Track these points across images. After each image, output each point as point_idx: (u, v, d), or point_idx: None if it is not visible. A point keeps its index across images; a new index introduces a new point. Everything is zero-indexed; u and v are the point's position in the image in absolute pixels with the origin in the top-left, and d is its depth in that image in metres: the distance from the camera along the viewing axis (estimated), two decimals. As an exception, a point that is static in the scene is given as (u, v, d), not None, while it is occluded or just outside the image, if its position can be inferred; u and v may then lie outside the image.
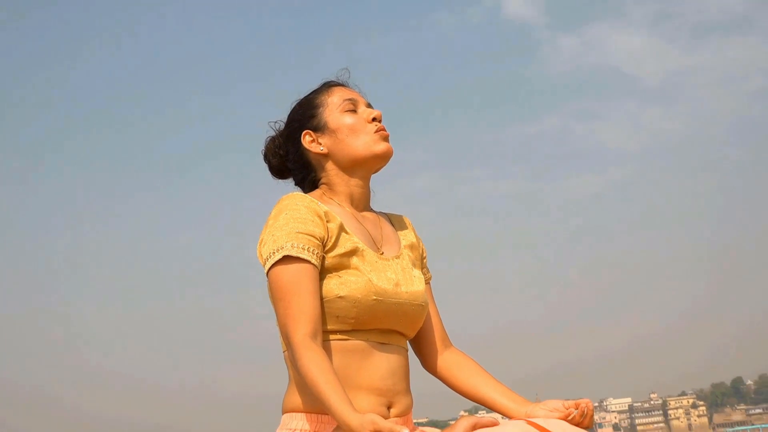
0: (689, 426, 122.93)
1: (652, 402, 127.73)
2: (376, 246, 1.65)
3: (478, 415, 1.67)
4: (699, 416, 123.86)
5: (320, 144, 1.68)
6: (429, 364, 1.76)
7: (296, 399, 1.55)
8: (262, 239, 1.56)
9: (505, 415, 1.67)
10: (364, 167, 1.68)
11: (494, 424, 1.59)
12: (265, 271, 1.53)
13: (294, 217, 1.54)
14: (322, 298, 1.52)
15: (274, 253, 1.51)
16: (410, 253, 1.72)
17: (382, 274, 1.58)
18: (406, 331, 1.64)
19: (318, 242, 1.53)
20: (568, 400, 1.63)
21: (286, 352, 1.58)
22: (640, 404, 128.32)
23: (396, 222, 1.79)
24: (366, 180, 1.71)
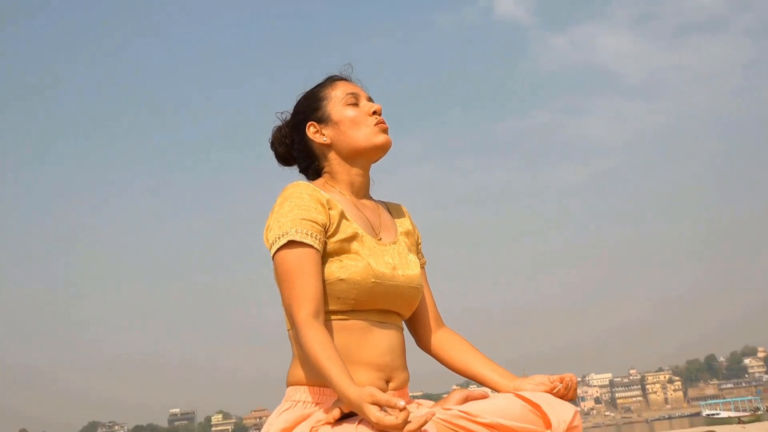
0: (666, 400, 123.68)
1: (631, 377, 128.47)
2: (375, 232, 1.65)
3: (469, 389, 1.67)
4: (675, 391, 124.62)
5: (324, 135, 1.68)
6: (423, 342, 1.77)
7: (299, 373, 1.56)
8: (268, 225, 1.56)
9: (495, 389, 1.68)
10: (365, 157, 1.69)
11: (484, 397, 1.60)
12: (271, 255, 1.54)
13: (298, 204, 1.54)
14: (324, 281, 1.53)
15: (279, 238, 1.51)
16: (406, 239, 1.72)
17: (380, 258, 1.59)
18: (402, 312, 1.65)
19: (320, 228, 1.53)
20: (553, 374, 1.64)
21: (290, 330, 1.59)
22: (620, 379, 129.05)
23: (393, 210, 1.80)
24: (366, 169, 1.71)
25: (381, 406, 1.32)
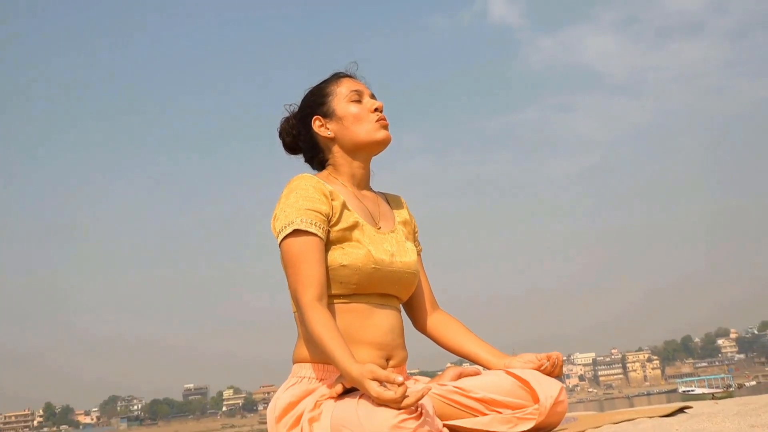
0: (645, 377, 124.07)
1: (612, 357, 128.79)
2: (374, 221, 1.65)
3: (462, 366, 1.68)
4: (653, 369, 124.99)
5: (328, 129, 1.68)
6: (420, 324, 1.77)
7: (304, 351, 1.57)
8: (275, 215, 1.57)
9: (486, 367, 1.68)
10: (366, 151, 1.69)
11: (477, 374, 1.62)
12: (278, 243, 1.55)
13: (303, 195, 1.55)
14: (327, 267, 1.54)
15: (285, 227, 1.52)
16: (404, 228, 1.73)
17: (379, 246, 1.60)
18: (400, 295, 1.65)
19: (324, 218, 1.54)
20: (541, 353, 1.64)
21: (296, 312, 1.59)
22: (602, 358, 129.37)
23: (392, 201, 1.80)
24: (367, 162, 1.71)
25: (381, 382, 1.33)
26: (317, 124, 1.69)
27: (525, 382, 1.54)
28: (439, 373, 1.66)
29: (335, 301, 1.55)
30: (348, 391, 1.44)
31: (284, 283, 1.56)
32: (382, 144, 1.68)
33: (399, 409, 1.32)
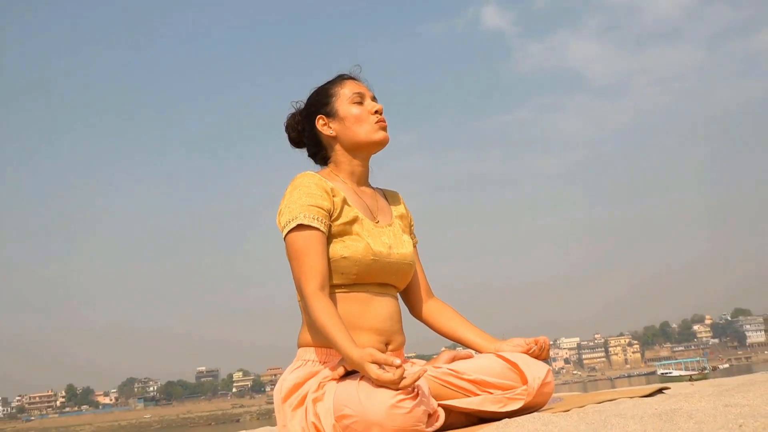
0: (625, 360, 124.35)
1: (595, 341, 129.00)
2: (373, 216, 1.65)
3: (456, 350, 1.68)
4: (633, 353, 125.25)
5: (331, 128, 1.68)
6: (416, 311, 1.78)
7: (308, 337, 1.57)
8: (280, 210, 1.57)
9: (478, 351, 1.69)
10: (365, 150, 1.68)
11: (469, 357, 1.62)
12: (283, 237, 1.55)
13: (306, 192, 1.55)
14: (329, 258, 1.54)
15: (290, 221, 1.52)
16: (400, 222, 1.73)
17: (377, 239, 1.60)
18: (397, 284, 1.66)
19: (325, 213, 1.54)
20: (529, 338, 1.65)
21: (300, 301, 1.60)
22: (586, 343, 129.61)
23: (389, 196, 1.80)
24: (366, 161, 1.71)
25: (380, 365, 1.33)
26: (321, 123, 1.69)
27: (514, 365, 1.54)
28: (434, 356, 1.67)
29: (337, 290, 1.56)
30: (349, 374, 1.45)
31: (289, 273, 1.56)
32: (380, 144, 1.68)
33: (397, 389, 1.32)
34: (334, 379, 1.45)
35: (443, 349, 1.71)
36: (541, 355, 1.62)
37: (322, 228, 1.53)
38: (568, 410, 1.43)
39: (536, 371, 1.52)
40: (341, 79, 1.72)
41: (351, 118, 1.66)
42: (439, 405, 1.46)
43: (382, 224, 1.65)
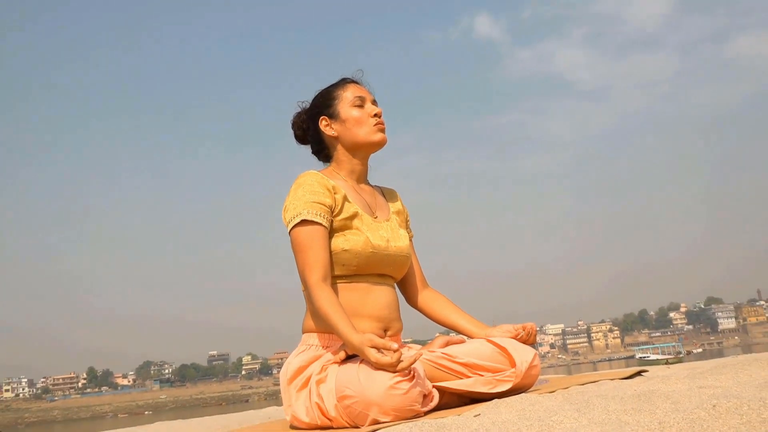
0: (606, 345, 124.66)
1: (579, 327, 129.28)
2: (372, 211, 1.65)
3: (449, 335, 1.69)
4: (614, 338, 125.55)
5: (333, 129, 1.67)
6: (412, 300, 1.78)
7: (311, 323, 1.57)
8: (285, 207, 1.57)
9: (470, 336, 1.69)
10: (364, 151, 1.68)
11: (462, 342, 1.62)
12: (288, 231, 1.55)
13: (309, 190, 1.55)
14: (331, 251, 1.54)
15: (294, 217, 1.52)
16: (397, 217, 1.73)
17: (376, 233, 1.60)
18: (394, 275, 1.66)
19: (327, 209, 1.54)
20: (517, 324, 1.65)
21: (304, 290, 1.60)
22: (570, 329, 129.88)
23: (387, 193, 1.79)
24: (365, 160, 1.70)
25: (379, 349, 1.34)
26: (323, 124, 1.68)
27: (503, 349, 1.54)
28: (429, 341, 1.67)
29: (339, 281, 1.56)
30: (350, 357, 1.45)
31: (294, 265, 1.56)
32: (379, 145, 1.68)
33: (394, 372, 1.33)
34: (336, 363, 1.46)
35: (437, 334, 1.71)
36: (529, 340, 1.62)
37: (324, 223, 1.53)
38: (553, 391, 1.43)
39: (524, 355, 1.53)
40: (344, 82, 1.72)
41: (352, 120, 1.65)
42: (433, 386, 1.46)
43: (380, 219, 1.65)
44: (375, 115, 1.67)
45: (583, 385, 1.54)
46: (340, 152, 1.68)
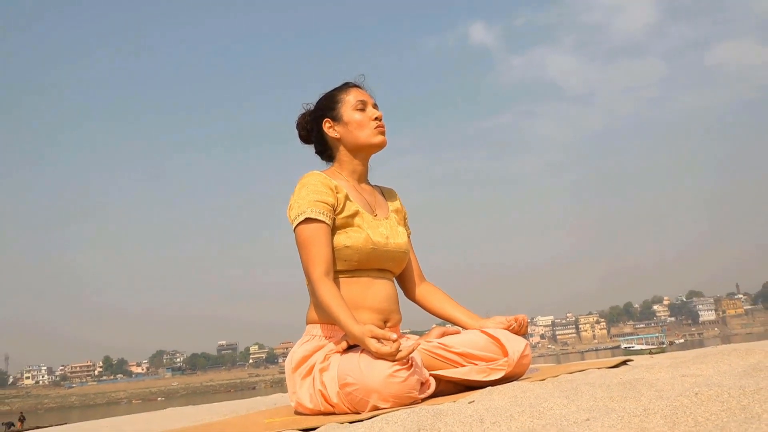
0: (593, 336, 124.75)
1: (567, 319, 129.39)
2: (372, 210, 1.65)
3: (445, 327, 1.69)
4: (601, 329, 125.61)
5: (335, 131, 1.67)
6: (410, 293, 1.78)
7: (315, 315, 1.57)
8: (290, 205, 1.57)
9: (464, 327, 1.69)
10: (365, 152, 1.68)
11: (457, 332, 1.62)
12: (293, 229, 1.55)
13: (313, 189, 1.55)
14: (333, 248, 1.54)
15: (298, 215, 1.52)
16: (396, 216, 1.73)
17: (376, 230, 1.60)
18: (393, 270, 1.66)
19: (330, 208, 1.54)
20: (510, 315, 1.65)
21: (308, 285, 1.60)
22: (559, 320, 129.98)
23: (386, 192, 1.79)
24: (366, 161, 1.70)
25: (378, 339, 1.34)
26: (326, 126, 1.68)
27: (496, 340, 1.54)
28: (426, 332, 1.67)
29: (341, 275, 1.56)
30: (351, 347, 1.45)
31: (298, 260, 1.56)
32: (379, 147, 1.68)
33: (393, 361, 1.33)
34: (338, 352, 1.46)
35: (434, 326, 1.71)
36: (520, 331, 1.62)
37: (327, 221, 1.53)
38: (543, 379, 1.43)
39: (516, 345, 1.53)
40: (347, 86, 1.71)
41: (353, 123, 1.65)
42: (430, 374, 1.47)
43: (380, 217, 1.65)
44: (376, 118, 1.67)
45: (571, 373, 1.54)
46: (342, 153, 1.68)
